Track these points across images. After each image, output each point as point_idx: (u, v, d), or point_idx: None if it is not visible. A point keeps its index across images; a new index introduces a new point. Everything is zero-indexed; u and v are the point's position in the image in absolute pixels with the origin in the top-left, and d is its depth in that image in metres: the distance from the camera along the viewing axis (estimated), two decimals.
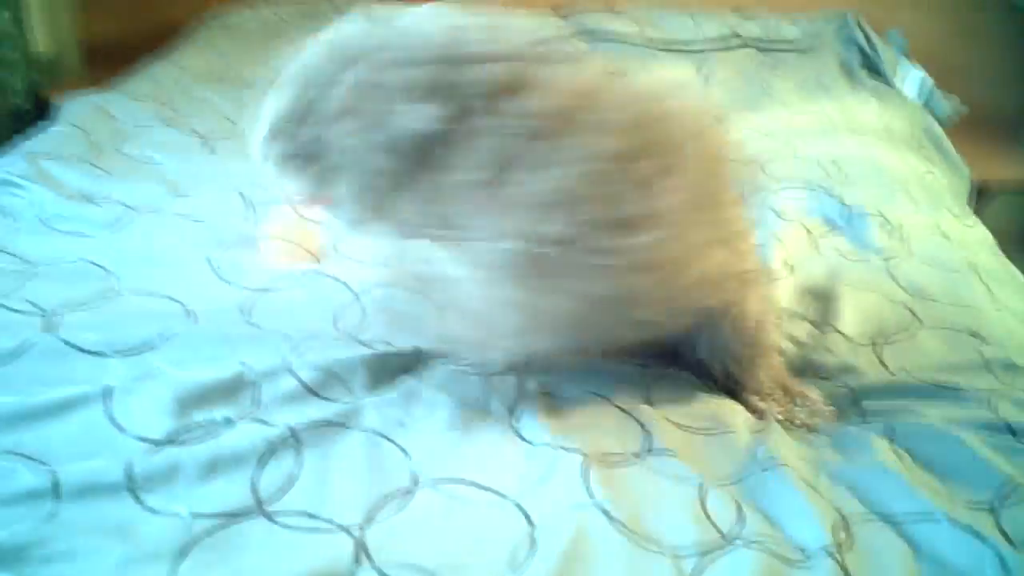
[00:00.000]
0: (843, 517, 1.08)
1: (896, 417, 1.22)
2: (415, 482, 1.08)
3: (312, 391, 1.21)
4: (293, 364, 1.23)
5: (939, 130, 2.45)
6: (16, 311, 1.31)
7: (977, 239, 1.82)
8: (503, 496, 1.07)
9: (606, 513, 1.04)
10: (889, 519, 1.08)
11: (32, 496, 1.00)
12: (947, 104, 2.60)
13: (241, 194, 1.71)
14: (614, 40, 2.80)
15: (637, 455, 1.16)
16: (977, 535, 1.04)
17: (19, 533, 0.96)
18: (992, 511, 1.09)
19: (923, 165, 2.17)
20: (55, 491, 1.01)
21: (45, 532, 0.96)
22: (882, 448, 1.19)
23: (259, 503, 1.03)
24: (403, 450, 1.13)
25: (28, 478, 1.03)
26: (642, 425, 1.21)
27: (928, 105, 2.60)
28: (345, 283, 1.44)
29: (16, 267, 1.43)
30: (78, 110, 2.05)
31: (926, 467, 1.17)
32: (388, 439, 1.15)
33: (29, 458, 1.06)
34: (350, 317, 1.37)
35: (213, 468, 1.06)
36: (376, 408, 1.20)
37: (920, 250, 1.69)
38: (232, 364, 1.22)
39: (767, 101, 2.39)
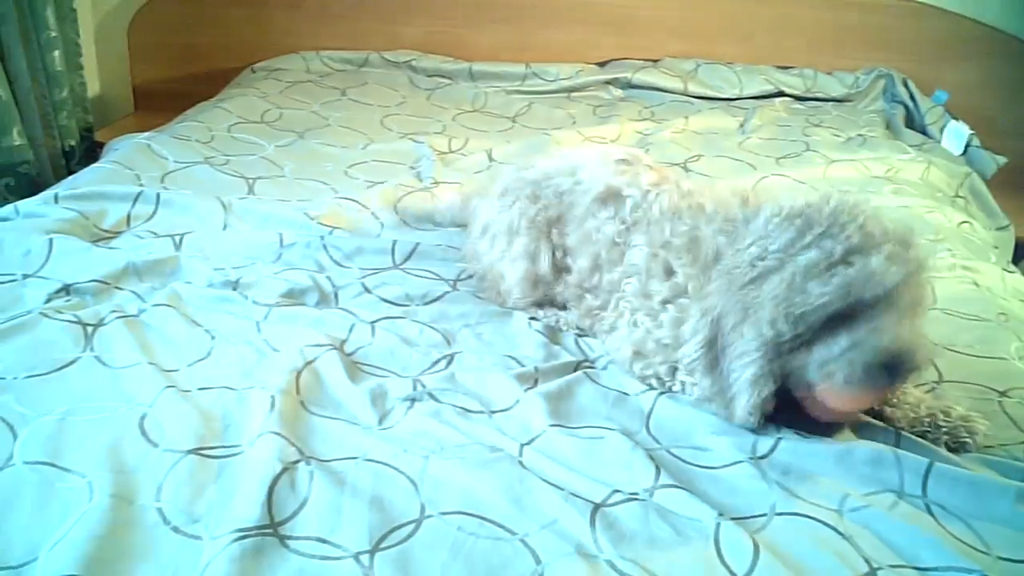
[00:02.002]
0: (869, 565, 1.06)
1: (930, 465, 1.19)
2: (423, 512, 1.09)
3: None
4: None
5: (981, 184, 2.43)
6: None
7: (1012, 290, 1.78)
8: (512, 532, 1.07)
9: (612, 565, 1.04)
10: (919, 571, 1.05)
11: None
12: (990, 158, 2.58)
13: (279, 235, 1.75)
14: (656, 91, 2.84)
15: (649, 491, 1.15)
16: None
17: None
18: None
19: (962, 217, 2.14)
20: None
21: None
22: (913, 495, 1.16)
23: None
24: (412, 480, 1.14)
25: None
26: (652, 460, 1.20)
27: (971, 159, 2.58)
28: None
29: None
30: (125, 149, 2.12)
31: (960, 518, 1.14)
32: (397, 469, 1.16)
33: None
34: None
35: None
36: (385, 439, 1.22)
37: (951, 301, 1.66)
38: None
39: (807, 153, 2.39)
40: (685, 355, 1.29)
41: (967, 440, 1.26)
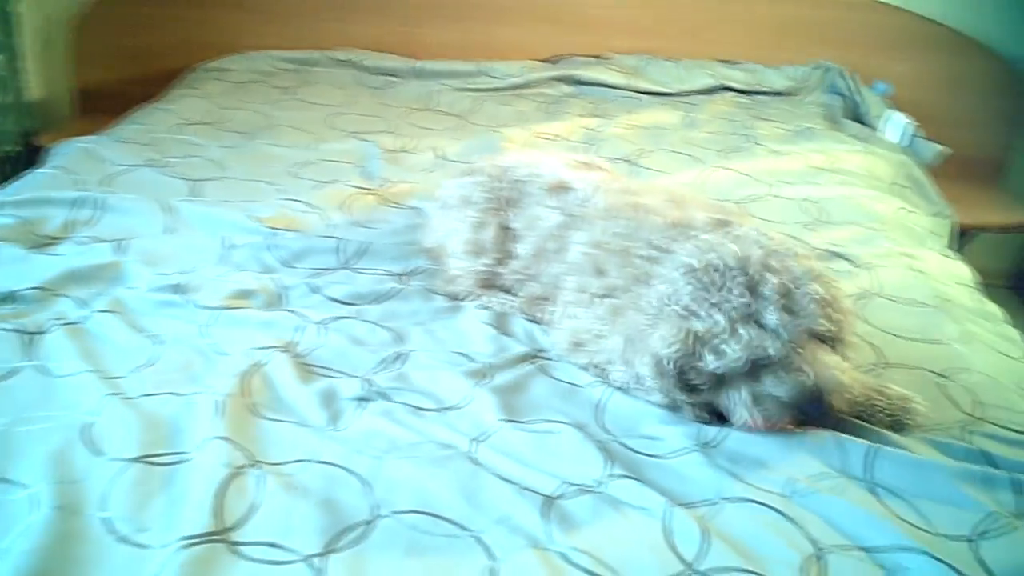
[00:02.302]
0: (815, 547, 1.08)
1: (872, 448, 1.22)
2: (375, 512, 1.09)
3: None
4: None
5: (921, 173, 2.48)
6: None
7: (952, 276, 1.82)
8: (465, 529, 1.08)
9: (565, 557, 1.05)
10: (865, 551, 1.08)
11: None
12: (930, 148, 2.63)
13: (224, 237, 1.73)
14: (603, 87, 2.86)
15: (600, 482, 1.16)
16: (954, 570, 1.04)
17: None
18: (971, 543, 1.10)
19: (903, 206, 2.18)
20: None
21: None
22: (857, 477, 1.19)
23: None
24: (364, 481, 1.14)
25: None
26: (603, 451, 1.22)
27: (911, 149, 2.63)
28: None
29: None
30: (66, 153, 2.08)
31: (903, 498, 1.17)
32: (349, 470, 1.15)
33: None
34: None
35: None
36: (337, 440, 1.22)
37: (892, 287, 1.69)
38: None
39: (751, 146, 2.42)
40: (609, 350, 1.35)
41: (905, 420, 1.29)
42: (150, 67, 2.98)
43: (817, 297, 1.21)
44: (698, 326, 1.21)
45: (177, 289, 1.55)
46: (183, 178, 2.01)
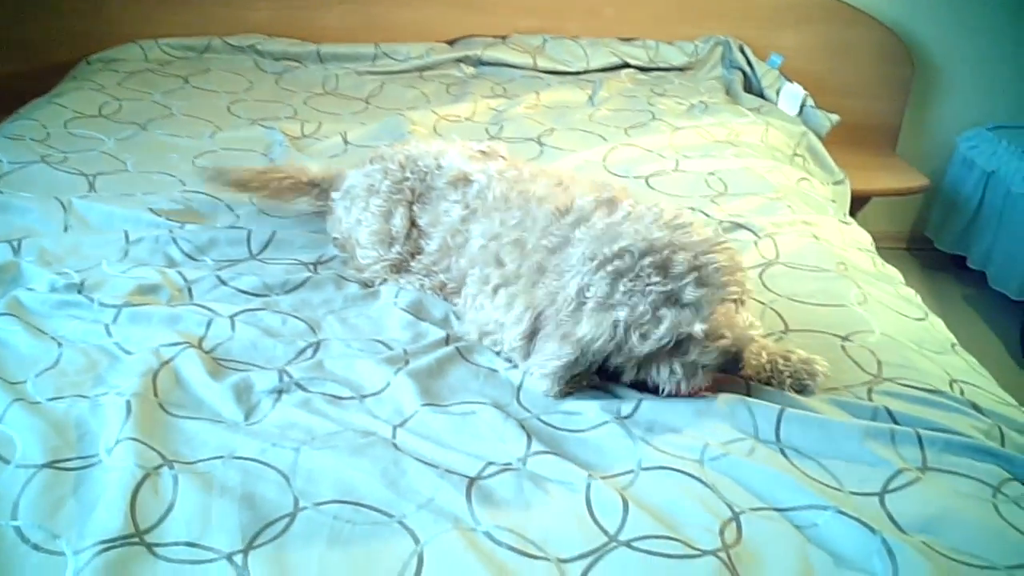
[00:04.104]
0: (732, 510, 1.11)
1: (781, 411, 1.26)
2: (296, 505, 1.08)
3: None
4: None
5: (816, 142, 2.57)
6: None
7: (850, 240, 1.89)
8: (389, 515, 1.08)
9: (489, 536, 1.06)
10: (778, 511, 1.12)
11: None
12: (823, 117, 2.72)
13: (125, 232, 1.68)
14: (506, 67, 2.86)
15: (522, 460, 1.18)
16: (864, 524, 1.08)
17: None
18: (879, 498, 1.14)
19: (801, 174, 2.26)
20: None
21: None
22: (768, 440, 1.23)
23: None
24: (283, 474, 1.13)
25: None
26: (524, 429, 1.23)
27: (806, 119, 2.71)
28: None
29: None
30: None
31: (812, 458, 1.21)
32: (267, 464, 1.14)
33: None
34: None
35: None
36: (253, 434, 1.20)
37: (793, 255, 1.75)
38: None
39: (653, 122, 2.45)
40: (508, 340, 1.38)
41: (808, 382, 1.34)
42: (37, 60, 2.85)
43: (722, 265, 1.25)
44: (621, 315, 1.23)
45: (78, 288, 1.50)
46: (79, 173, 1.94)
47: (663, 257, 1.24)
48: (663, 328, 1.22)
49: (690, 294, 1.23)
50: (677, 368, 1.26)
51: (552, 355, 1.29)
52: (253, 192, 1.84)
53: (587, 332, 1.25)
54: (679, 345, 1.25)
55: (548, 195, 1.48)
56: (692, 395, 1.28)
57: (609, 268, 1.25)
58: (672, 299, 1.23)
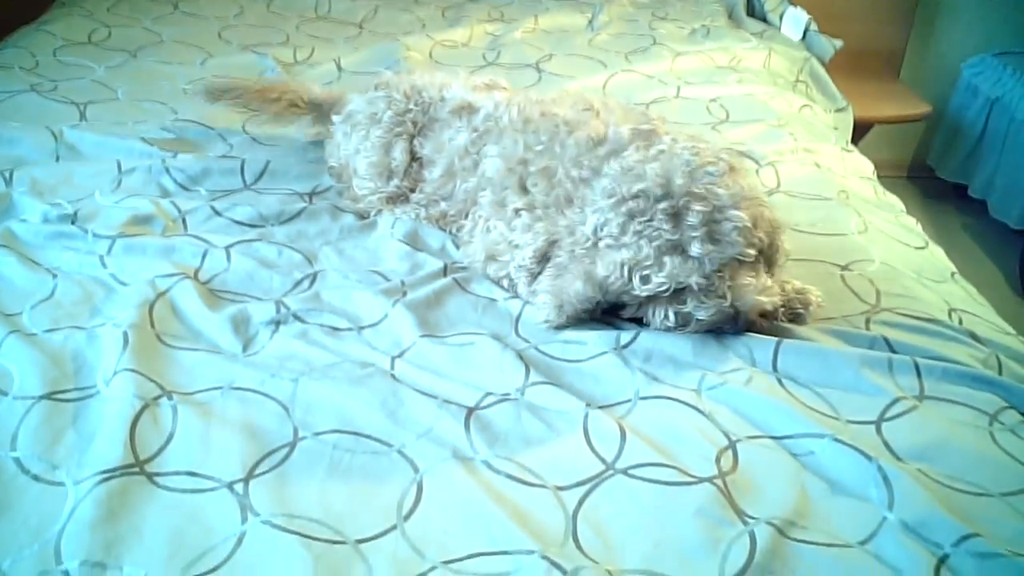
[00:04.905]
0: (728, 438, 1.12)
1: (779, 341, 1.26)
2: (296, 435, 1.08)
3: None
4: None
5: (819, 68, 2.52)
6: None
7: (851, 169, 1.88)
8: (388, 445, 1.08)
9: (488, 465, 1.07)
10: (774, 439, 1.12)
11: None
12: (826, 42, 2.67)
13: (117, 162, 1.66)
14: None
15: (520, 390, 1.18)
16: (860, 452, 1.08)
17: None
18: (875, 426, 1.15)
19: (803, 101, 2.22)
20: None
21: None
22: (765, 370, 1.23)
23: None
24: (282, 404, 1.13)
25: None
26: (522, 359, 1.23)
27: (809, 44, 2.66)
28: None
29: None
30: None
31: (809, 387, 1.21)
32: (266, 395, 1.14)
33: None
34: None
35: None
36: (251, 365, 1.20)
37: (795, 183, 1.73)
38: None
39: (654, 47, 2.41)
40: (518, 258, 1.36)
41: (801, 311, 1.33)
42: None
43: (740, 225, 1.22)
44: (626, 255, 1.22)
45: (71, 219, 1.48)
46: (70, 102, 1.91)
47: (679, 205, 1.22)
48: (663, 275, 1.21)
49: (696, 248, 1.21)
50: (671, 315, 1.25)
51: (574, 295, 1.27)
52: (248, 106, 1.81)
53: (604, 272, 1.24)
54: (678, 294, 1.24)
55: (579, 120, 1.44)
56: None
57: (625, 208, 1.24)
58: (678, 249, 1.22)
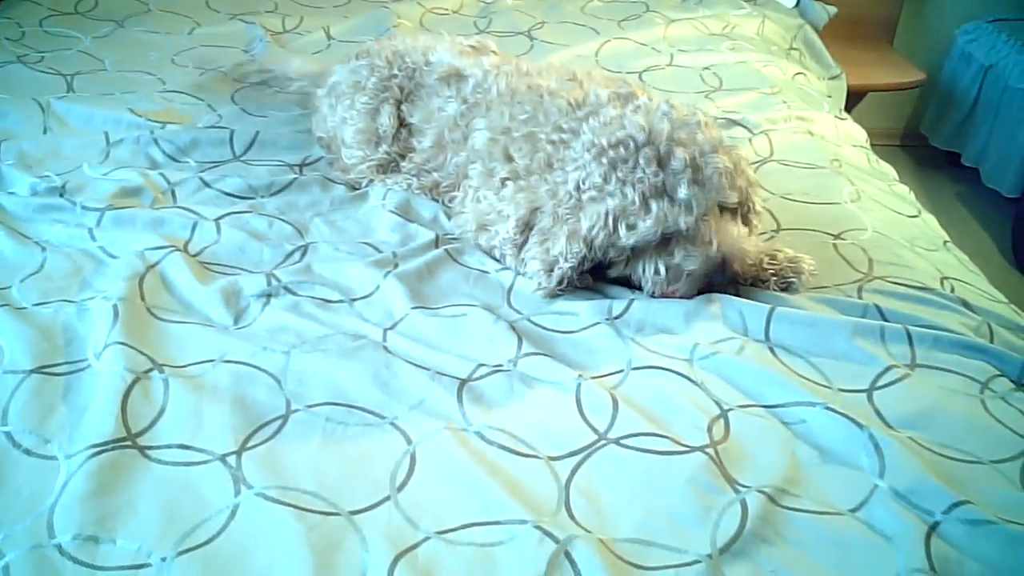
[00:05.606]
0: (719, 407, 1.12)
1: (771, 310, 1.25)
2: (288, 408, 1.08)
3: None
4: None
5: (813, 35, 2.50)
6: None
7: (844, 137, 1.87)
8: (381, 416, 1.08)
9: (481, 435, 1.07)
10: (766, 408, 1.13)
11: None
12: (820, 8, 2.65)
13: (105, 133, 1.64)
14: None
15: (512, 361, 1.18)
16: (851, 420, 1.09)
17: None
18: (867, 394, 1.15)
19: (797, 69, 2.21)
20: None
21: None
22: (757, 339, 1.23)
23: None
24: (274, 377, 1.13)
25: None
26: (514, 331, 1.23)
27: (803, 11, 2.64)
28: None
29: None
30: None
31: (801, 356, 1.21)
32: (258, 368, 1.14)
33: None
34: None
35: None
36: (243, 338, 1.20)
37: (787, 151, 1.72)
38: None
39: (647, 14, 2.38)
40: (503, 231, 1.36)
41: (793, 279, 1.33)
42: None
43: (722, 168, 1.23)
44: (611, 203, 1.22)
45: (59, 191, 1.47)
46: (57, 73, 1.89)
47: (663, 150, 1.22)
48: (650, 221, 1.21)
49: (683, 191, 1.21)
50: (661, 268, 1.25)
51: (559, 254, 1.27)
52: None
53: (588, 223, 1.24)
54: (666, 244, 1.23)
55: (561, 89, 1.44)
56: (667, 296, 1.28)
57: (606, 158, 1.24)
58: (663, 192, 1.21)
